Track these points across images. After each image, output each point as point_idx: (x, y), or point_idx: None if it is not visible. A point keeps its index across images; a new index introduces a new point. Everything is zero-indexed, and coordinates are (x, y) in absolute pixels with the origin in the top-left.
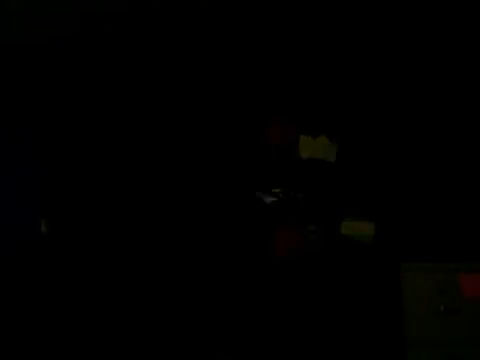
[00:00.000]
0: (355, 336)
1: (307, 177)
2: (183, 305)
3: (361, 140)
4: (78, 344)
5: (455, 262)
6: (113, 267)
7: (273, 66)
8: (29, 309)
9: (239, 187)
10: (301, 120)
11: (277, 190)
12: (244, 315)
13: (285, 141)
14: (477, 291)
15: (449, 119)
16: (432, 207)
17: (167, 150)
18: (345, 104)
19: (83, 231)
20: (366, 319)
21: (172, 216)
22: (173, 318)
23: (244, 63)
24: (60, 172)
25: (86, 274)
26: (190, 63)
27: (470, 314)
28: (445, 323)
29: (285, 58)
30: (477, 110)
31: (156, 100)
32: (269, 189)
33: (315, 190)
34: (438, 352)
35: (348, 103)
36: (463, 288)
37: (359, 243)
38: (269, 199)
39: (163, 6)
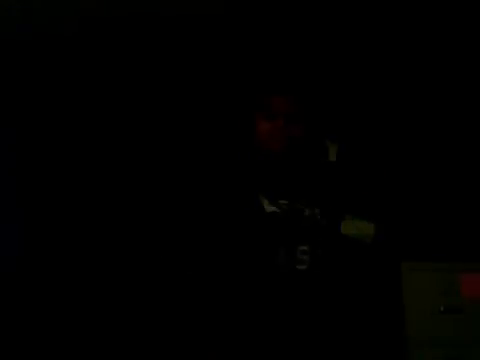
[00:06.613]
0: (355, 336)
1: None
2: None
3: (362, 140)
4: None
5: (455, 262)
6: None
7: (274, 66)
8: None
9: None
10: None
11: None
12: (241, 312)
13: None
14: (477, 292)
15: (449, 119)
16: (432, 207)
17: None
18: (346, 104)
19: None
20: (366, 319)
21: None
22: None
23: (243, 61)
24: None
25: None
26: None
27: (470, 314)
28: (445, 323)
29: (286, 57)
30: (477, 110)
31: (152, 104)
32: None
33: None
34: (438, 352)
35: (349, 103)
36: (463, 289)
37: (359, 243)
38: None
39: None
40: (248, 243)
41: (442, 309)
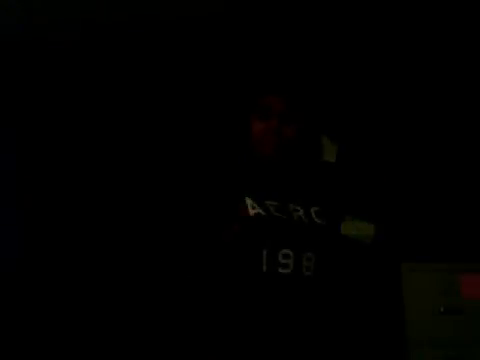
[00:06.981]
0: (355, 336)
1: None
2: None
3: (361, 140)
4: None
5: (455, 262)
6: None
7: (269, 66)
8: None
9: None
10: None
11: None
12: (241, 314)
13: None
14: (477, 293)
15: (449, 119)
16: (432, 207)
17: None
18: (345, 104)
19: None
20: (366, 319)
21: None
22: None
23: (239, 61)
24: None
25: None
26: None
27: (470, 315)
28: (445, 323)
29: (281, 57)
30: (477, 111)
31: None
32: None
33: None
34: (438, 352)
35: (348, 103)
36: (463, 289)
37: (359, 243)
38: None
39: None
40: (228, 246)
41: (442, 310)
